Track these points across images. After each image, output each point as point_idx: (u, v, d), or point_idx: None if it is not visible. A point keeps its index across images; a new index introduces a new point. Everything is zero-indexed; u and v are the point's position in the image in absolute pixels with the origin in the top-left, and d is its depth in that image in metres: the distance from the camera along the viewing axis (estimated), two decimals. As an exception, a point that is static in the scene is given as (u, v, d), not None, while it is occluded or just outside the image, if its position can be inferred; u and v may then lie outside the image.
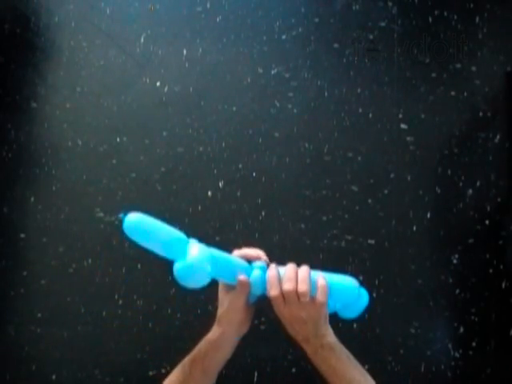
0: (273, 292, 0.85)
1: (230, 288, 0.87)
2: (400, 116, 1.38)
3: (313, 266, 0.89)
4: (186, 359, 0.89)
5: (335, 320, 0.91)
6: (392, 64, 1.39)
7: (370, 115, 1.38)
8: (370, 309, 0.95)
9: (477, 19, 1.40)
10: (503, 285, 1.32)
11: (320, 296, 0.85)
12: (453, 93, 1.38)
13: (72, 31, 1.43)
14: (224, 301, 0.88)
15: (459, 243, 1.33)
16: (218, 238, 1.33)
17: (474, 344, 1.30)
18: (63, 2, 1.44)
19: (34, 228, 1.36)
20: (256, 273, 0.87)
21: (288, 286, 0.85)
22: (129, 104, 1.40)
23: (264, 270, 0.87)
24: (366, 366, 0.89)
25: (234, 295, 0.86)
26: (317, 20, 1.42)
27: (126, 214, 0.79)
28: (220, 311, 0.88)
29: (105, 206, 1.36)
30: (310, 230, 1.34)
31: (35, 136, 1.40)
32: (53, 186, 1.38)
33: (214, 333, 0.88)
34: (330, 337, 0.86)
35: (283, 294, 0.84)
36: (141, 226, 0.79)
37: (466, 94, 1.38)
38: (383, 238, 1.33)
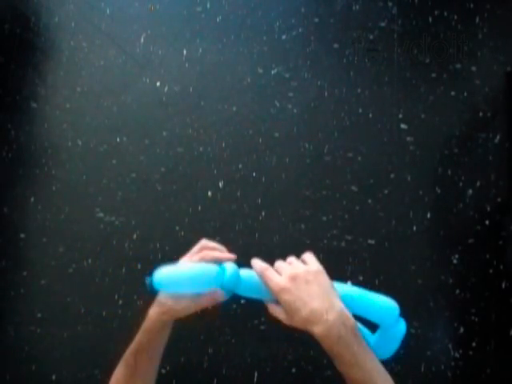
0: (258, 267, 0.83)
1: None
2: (400, 116, 1.38)
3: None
4: (128, 354, 0.88)
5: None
6: (392, 64, 1.39)
7: (370, 115, 1.38)
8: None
9: (477, 19, 1.40)
10: (503, 285, 1.32)
11: (306, 256, 0.86)
12: (453, 93, 1.38)
13: (72, 31, 1.43)
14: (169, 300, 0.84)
15: (459, 243, 1.33)
16: (218, 238, 1.32)
17: (474, 344, 1.30)
18: (63, 2, 1.44)
19: (34, 228, 1.36)
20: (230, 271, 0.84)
21: (278, 262, 0.85)
22: (129, 104, 1.40)
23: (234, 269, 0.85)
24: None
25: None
26: (317, 20, 1.42)
27: (151, 276, 0.80)
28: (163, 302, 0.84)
29: (105, 206, 1.36)
30: (310, 230, 1.34)
31: (35, 136, 1.40)
32: (53, 186, 1.37)
33: (152, 322, 0.85)
34: (356, 326, 0.78)
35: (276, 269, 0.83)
36: (171, 279, 0.81)
37: (465, 93, 1.38)
38: (383, 238, 1.33)
